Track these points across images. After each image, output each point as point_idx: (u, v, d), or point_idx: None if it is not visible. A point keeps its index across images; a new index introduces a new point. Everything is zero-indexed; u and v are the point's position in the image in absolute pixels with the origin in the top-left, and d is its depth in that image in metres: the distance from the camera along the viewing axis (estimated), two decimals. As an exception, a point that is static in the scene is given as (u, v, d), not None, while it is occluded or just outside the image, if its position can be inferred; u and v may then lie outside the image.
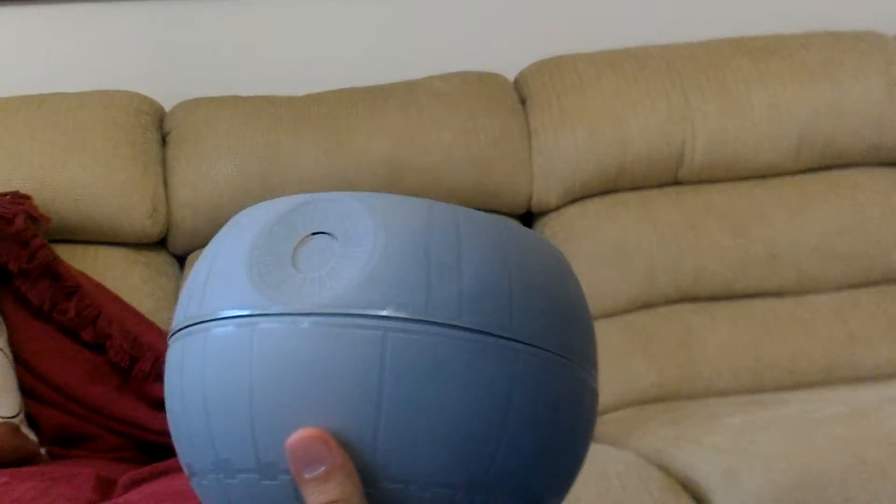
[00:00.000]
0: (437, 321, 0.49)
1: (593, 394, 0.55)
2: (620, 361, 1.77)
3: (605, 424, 1.69)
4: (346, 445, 0.48)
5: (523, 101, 1.93)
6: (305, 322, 0.49)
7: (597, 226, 1.84)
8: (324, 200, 0.52)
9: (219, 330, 0.50)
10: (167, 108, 1.91)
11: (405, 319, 0.49)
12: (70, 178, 1.74)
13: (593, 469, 1.30)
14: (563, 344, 0.52)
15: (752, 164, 1.89)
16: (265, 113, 1.84)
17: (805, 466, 1.31)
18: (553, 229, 1.87)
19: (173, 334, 0.53)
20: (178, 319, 0.53)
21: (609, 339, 1.79)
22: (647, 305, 1.83)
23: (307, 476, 0.47)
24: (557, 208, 1.89)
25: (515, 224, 0.54)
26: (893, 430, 1.36)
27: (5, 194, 1.67)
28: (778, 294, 1.86)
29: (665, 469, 1.42)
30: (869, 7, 2.16)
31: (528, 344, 0.50)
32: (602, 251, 1.82)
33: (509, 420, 0.49)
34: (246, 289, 0.50)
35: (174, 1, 2.04)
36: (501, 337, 0.50)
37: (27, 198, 1.68)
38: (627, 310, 1.83)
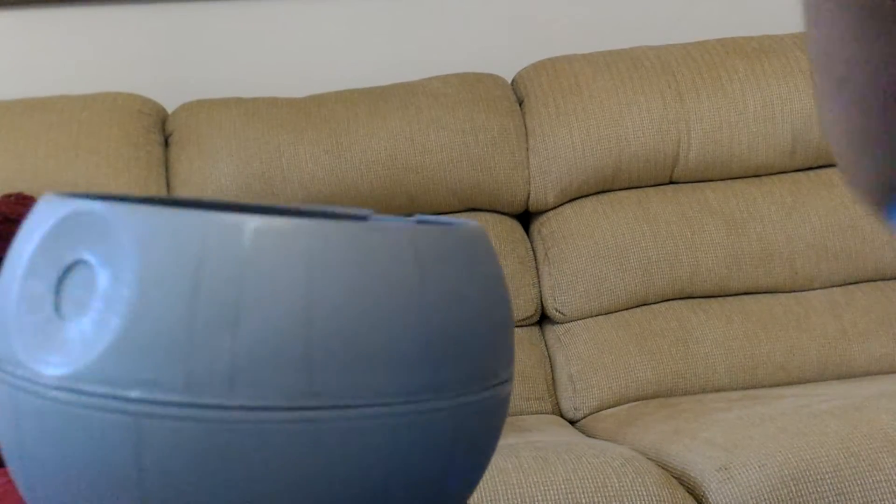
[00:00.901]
0: (201, 402, 0.39)
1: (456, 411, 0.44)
2: (617, 358, 1.78)
3: (602, 420, 1.71)
4: None
5: (521, 102, 1.94)
6: (55, 392, 0.40)
7: (593, 224, 1.86)
8: (97, 213, 0.41)
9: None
10: (170, 109, 1.92)
11: (162, 402, 0.39)
12: (74, 179, 1.75)
13: (590, 464, 1.32)
14: (401, 385, 0.41)
15: (747, 163, 1.90)
16: (267, 114, 1.85)
17: (799, 461, 1.32)
18: (550, 228, 1.88)
19: None
20: None
21: (606, 336, 1.81)
22: (644, 303, 1.85)
23: None
24: (555, 207, 1.91)
25: (330, 223, 0.40)
26: (886, 425, 1.37)
27: (10, 195, 1.67)
28: (772, 291, 1.87)
29: (661, 464, 1.44)
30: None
31: (334, 407, 0.39)
32: (599, 249, 1.84)
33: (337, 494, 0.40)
34: (11, 338, 0.42)
35: (177, 4, 2.04)
36: (297, 408, 0.39)
37: (32, 199, 1.68)
38: (624, 307, 1.84)
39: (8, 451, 0.43)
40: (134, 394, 0.38)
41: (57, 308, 0.41)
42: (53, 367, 0.40)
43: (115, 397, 0.39)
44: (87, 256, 0.41)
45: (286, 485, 0.38)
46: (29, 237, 0.43)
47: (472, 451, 0.44)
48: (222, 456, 0.38)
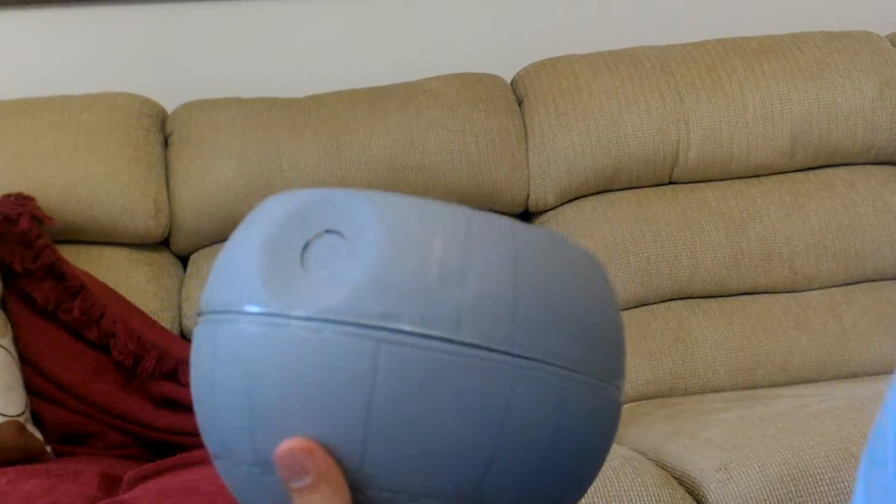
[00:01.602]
0: (433, 335, 0.47)
1: (611, 404, 0.52)
2: (617, 358, 1.78)
3: (601, 420, 1.70)
4: (335, 454, 0.47)
5: (520, 102, 1.94)
6: (300, 325, 0.47)
7: (593, 225, 1.86)
8: (338, 197, 0.51)
9: (227, 326, 0.50)
10: (169, 109, 1.92)
11: (399, 331, 0.47)
12: (74, 180, 1.75)
13: (590, 464, 1.32)
14: (572, 356, 0.49)
15: (746, 164, 1.90)
16: (266, 114, 1.85)
17: (798, 461, 1.32)
18: (550, 228, 1.88)
19: (199, 315, 0.54)
20: (203, 300, 0.53)
21: (606, 337, 1.80)
22: (643, 303, 1.85)
23: (294, 486, 0.47)
24: (554, 207, 1.91)
25: (531, 228, 0.51)
26: (885, 425, 1.37)
27: (10, 195, 1.68)
28: (772, 291, 1.87)
29: (661, 464, 1.44)
30: (861, 8, 2.18)
31: (529, 359, 0.48)
32: (598, 249, 1.84)
33: (505, 435, 0.48)
34: (254, 285, 0.49)
35: (177, 4, 2.04)
36: (501, 352, 0.48)
37: (31, 199, 1.69)
38: (624, 307, 1.84)
39: (231, 380, 0.49)
40: (377, 322, 0.47)
41: (303, 265, 0.49)
42: (309, 305, 0.48)
43: (360, 325, 0.47)
44: (334, 227, 0.50)
45: (475, 413, 0.47)
46: (266, 217, 0.52)
47: (603, 441, 0.52)
48: (440, 381, 0.47)
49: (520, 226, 0.51)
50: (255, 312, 0.49)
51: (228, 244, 0.53)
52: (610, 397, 0.52)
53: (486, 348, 0.48)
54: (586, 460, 0.52)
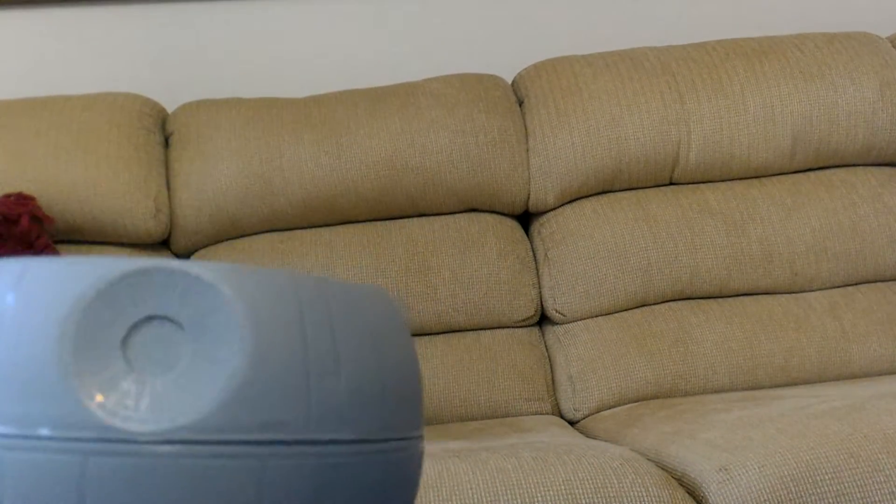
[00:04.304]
0: (320, 439, 0.41)
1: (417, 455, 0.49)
2: (617, 359, 1.78)
3: (602, 421, 1.71)
4: None
5: (521, 103, 1.94)
6: (162, 450, 0.38)
7: (593, 225, 1.86)
8: (159, 271, 0.41)
9: (24, 454, 0.38)
10: (170, 109, 1.93)
11: (286, 442, 0.40)
12: (74, 180, 1.75)
13: (590, 464, 1.32)
14: (416, 422, 0.47)
15: (747, 164, 1.91)
16: (266, 114, 1.85)
17: (799, 462, 1.32)
18: (550, 229, 1.89)
19: None
20: None
21: (606, 337, 1.81)
22: (644, 304, 1.85)
23: None
24: (555, 208, 1.91)
25: (375, 291, 0.46)
26: (886, 426, 1.38)
27: (10, 195, 1.68)
28: (772, 292, 1.87)
29: (661, 464, 1.44)
30: (861, 9, 2.18)
31: (399, 439, 0.45)
32: (599, 250, 1.84)
33: None
34: (64, 395, 0.38)
35: (177, 4, 2.04)
36: (382, 440, 0.44)
37: (32, 199, 1.69)
38: (624, 308, 1.84)
39: None
40: (260, 436, 0.39)
41: (130, 365, 0.39)
42: (157, 423, 0.39)
43: (240, 442, 0.39)
44: (163, 313, 0.40)
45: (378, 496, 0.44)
46: (61, 296, 0.40)
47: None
48: (330, 483, 0.41)
49: (371, 293, 0.45)
50: (73, 438, 0.38)
51: None
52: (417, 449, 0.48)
53: (368, 440, 0.43)
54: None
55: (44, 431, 0.38)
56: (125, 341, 0.40)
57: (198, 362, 0.39)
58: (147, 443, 0.38)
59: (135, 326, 0.40)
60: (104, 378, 0.39)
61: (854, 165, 1.96)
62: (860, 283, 1.90)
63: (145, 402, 0.38)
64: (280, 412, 0.40)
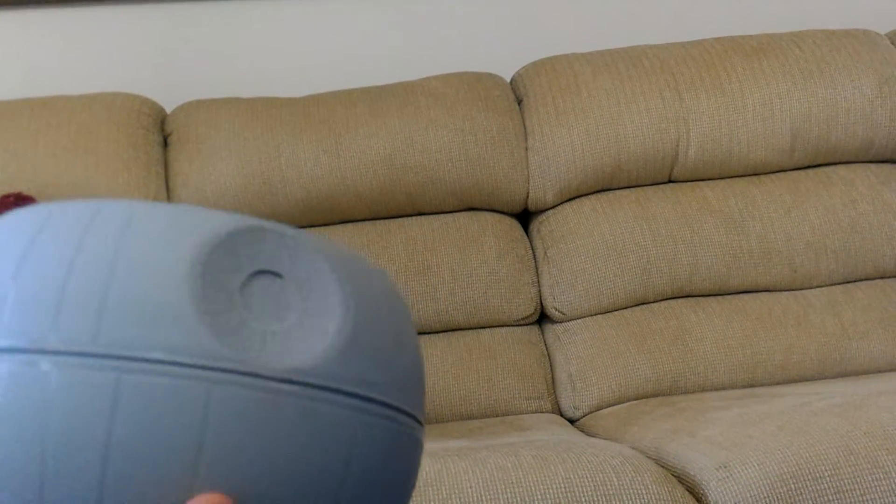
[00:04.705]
0: (394, 404, 0.45)
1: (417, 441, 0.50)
2: (617, 357, 1.79)
3: (602, 419, 1.71)
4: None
5: (520, 101, 1.94)
6: (284, 388, 0.41)
7: (593, 223, 1.86)
8: (272, 231, 0.44)
9: (147, 377, 0.39)
10: (168, 109, 1.93)
11: (376, 401, 0.44)
12: (73, 180, 1.76)
13: (589, 462, 1.32)
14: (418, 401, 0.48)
15: (746, 162, 1.91)
16: (266, 114, 1.85)
17: (798, 459, 1.32)
18: (549, 227, 1.89)
19: (17, 351, 0.40)
20: (89, 336, 0.40)
21: (605, 335, 1.81)
22: (643, 301, 1.85)
23: None
24: (554, 206, 1.91)
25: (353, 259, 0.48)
26: (885, 423, 1.38)
27: (9, 195, 1.68)
28: (772, 289, 1.87)
29: (661, 462, 1.44)
30: (860, 6, 2.18)
31: (421, 424, 0.48)
32: (598, 248, 1.84)
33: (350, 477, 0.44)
34: (194, 325, 0.40)
35: (177, 4, 2.05)
36: (418, 421, 0.47)
37: (31, 199, 1.69)
38: (623, 306, 1.84)
39: (186, 443, 0.40)
40: (361, 391, 0.43)
41: (247, 310, 0.42)
42: (279, 363, 0.41)
43: (347, 393, 0.42)
44: (273, 269, 0.43)
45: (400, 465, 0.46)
46: (189, 241, 0.42)
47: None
48: (390, 451, 0.44)
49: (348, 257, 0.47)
50: (202, 366, 0.40)
51: (77, 249, 0.42)
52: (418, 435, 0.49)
53: (400, 409, 0.46)
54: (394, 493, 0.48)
55: (171, 357, 0.39)
56: (243, 289, 0.42)
57: (307, 317, 0.43)
58: (271, 379, 0.40)
59: (251, 276, 0.43)
60: (229, 317, 0.41)
61: (853, 162, 1.96)
62: (860, 281, 1.90)
63: (266, 343, 0.41)
64: (374, 373, 0.43)
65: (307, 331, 0.42)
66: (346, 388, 0.42)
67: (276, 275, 0.43)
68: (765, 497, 1.28)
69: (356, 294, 0.44)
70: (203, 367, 0.40)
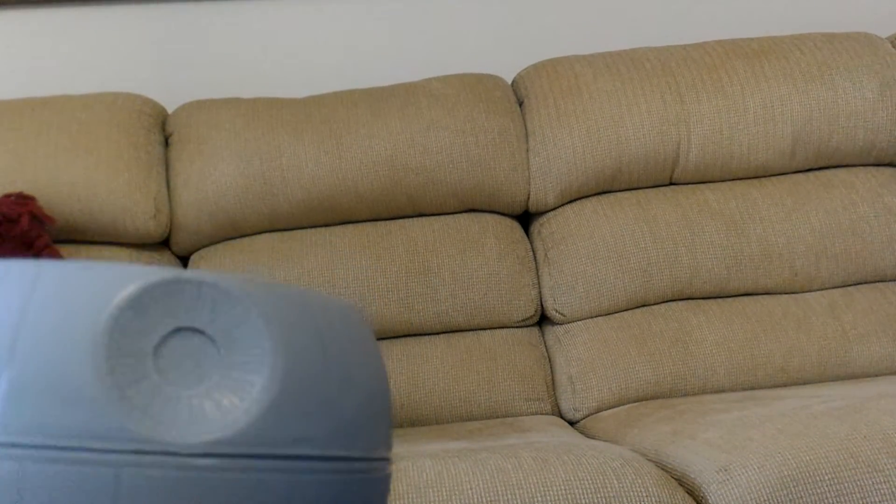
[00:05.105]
0: (337, 455, 0.42)
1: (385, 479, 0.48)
2: (617, 359, 1.78)
3: (602, 421, 1.71)
4: None
5: (521, 103, 1.94)
6: (201, 463, 0.38)
7: (594, 225, 1.86)
8: (188, 282, 0.40)
9: (51, 467, 0.37)
10: (170, 109, 1.92)
11: (312, 458, 0.41)
12: (74, 179, 1.75)
13: (589, 464, 1.32)
14: (391, 443, 0.47)
15: (747, 165, 1.91)
16: (267, 114, 1.85)
17: (799, 462, 1.32)
18: (550, 229, 1.89)
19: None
20: (19, 427, 0.38)
21: (606, 337, 1.81)
22: (644, 304, 1.85)
23: None
24: (555, 208, 1.91)
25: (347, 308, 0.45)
26: (886, 426, 1.37)
27: (10, 195, 1.68)
28: (772, 292, 1.87)
29: (661, 465, 1.44)
30: (861, 9, 2.18)
31: (384, 460, 0.46)
32: (599, 250, 1.84)
33: None
34: (97, 406, 0.37)
35: (177, 4, 2.05)
36: (378, 459, 0.45)
37: (32, 198, 1.69)
38: (624, 308, 1.84)
39: None
40: (292, 451, 0.39)
41: (163, 376, 0.39)
42: (195, 436, 0.38)
43: (274, 457, 0.39)
44: (192, 325, 0.40)
45: None
46: (94, 306, 0.40)
47: None
48: (337, 500, 0.41)
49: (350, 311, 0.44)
50: (112, 451, 0.37)
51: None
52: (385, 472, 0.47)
53: (367, 459, 0.44)
54: None
55: (75, 442, 0.37)
56: (157, 352, 0.39)
57: (229, 376, 0.39)
58: (187, 455, 0.37)
59: (167, 336, 0.39)
60: (140, 388, 0.38)
61: (854, 166, 1.96)
62: (860, 284, 1.90)
63: (181, 413, 0.38)
64: (308, 428, 0.39)
65: (229, 390, 0.39)
66: (274, 452, 0.39)
67: (196, 330, 0.40)
68: (765, 500, 1.28)
69: (290, 340, 0.40)
70: (109, 452, 0.37)
